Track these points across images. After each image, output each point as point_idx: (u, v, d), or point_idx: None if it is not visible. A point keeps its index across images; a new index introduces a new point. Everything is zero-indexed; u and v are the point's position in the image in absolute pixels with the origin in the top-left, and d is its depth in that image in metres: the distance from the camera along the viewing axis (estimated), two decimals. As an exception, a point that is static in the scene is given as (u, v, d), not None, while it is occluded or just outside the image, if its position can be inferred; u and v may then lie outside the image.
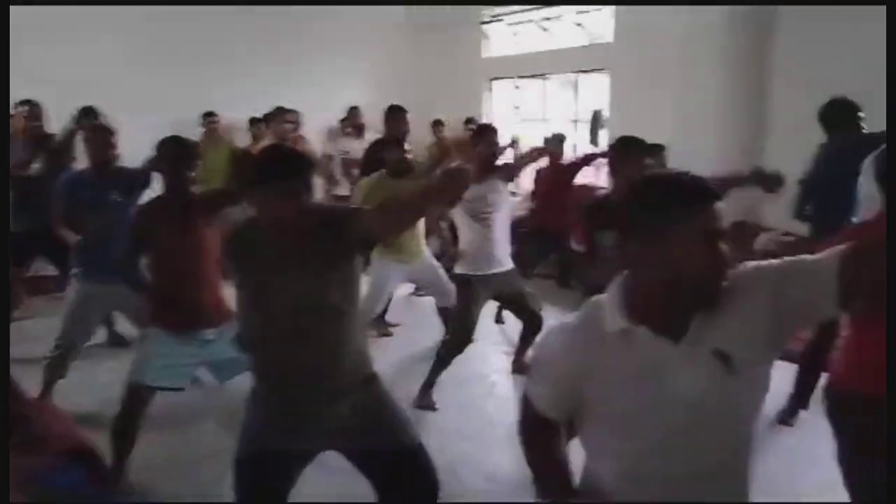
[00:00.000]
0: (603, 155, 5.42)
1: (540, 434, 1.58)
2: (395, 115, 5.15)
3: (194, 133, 6.97)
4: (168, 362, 2.95)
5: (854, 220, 2.69)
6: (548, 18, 8.26)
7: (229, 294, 2.56)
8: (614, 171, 3.21)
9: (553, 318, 4.82)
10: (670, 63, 6.32)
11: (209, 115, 7.41)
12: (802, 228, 4.13)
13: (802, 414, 3.74)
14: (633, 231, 1.34)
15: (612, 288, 1.41)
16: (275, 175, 1.99)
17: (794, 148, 4.62)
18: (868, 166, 2.46)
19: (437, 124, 7.97)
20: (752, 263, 1.37)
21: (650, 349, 1.33)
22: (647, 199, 1.33)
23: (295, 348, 2.09)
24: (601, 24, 7.57)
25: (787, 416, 3.75)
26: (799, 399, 3.76)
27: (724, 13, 5.75)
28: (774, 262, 1.35)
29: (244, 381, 2.37)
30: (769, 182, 3.53)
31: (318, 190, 7.18)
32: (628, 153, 3.14)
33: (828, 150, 3.86)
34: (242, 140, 7.43)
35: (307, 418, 2.13)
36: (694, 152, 5.48)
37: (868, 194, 2.70)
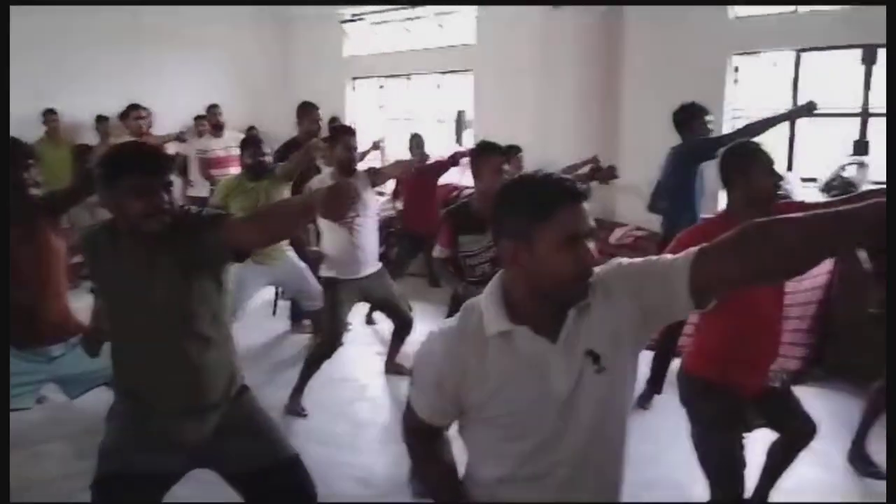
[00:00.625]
0: (467, 154, 5.54)
1: (426, 443, 1.58)
2: (305, 112, 5.10)
3: (35, 132, 6.61)
4: (11, 381, 2.68)
5: (701, 216, 2.93)
6: (410, 19, 8.30)
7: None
8: (475, 175, 3.29)
9: (425, 316, 4.87)
10: (530, 64, 6.53)
11: (49, 113, 6.92)
12: (654, 224, 4.41)
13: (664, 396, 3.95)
14: (503, 232, 1.37)
15: (489, 290, 1.43)
16: (128, 170, 1.84)
17: (646, 147, 4.94)
18: (707, 166, 2.69)
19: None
20: (615, 260, 1.42)
21: (530, 349, 1.36)
22: (515, 200, 1.36)
23: (155, 363, 1.96)
24: (463, 25, 7.70)
25: (643, 401, 3.98)
26: (654, 384, 4.01)
27: (578, 14, 6.02)
28: (636, 262, 1.41)
29: (99, 398, 2.20)
30: (604, 175, 3.85)
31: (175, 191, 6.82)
32: (485, 157, 3.25)
33: (678, 151, 4.12)
34: (90, 139, 7.04)
35: (169, 437, 2.00)
36: (551, 152, 5.73)
37: (711, 193, 2.96)
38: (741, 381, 2.40)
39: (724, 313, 2.01)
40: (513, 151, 5.14)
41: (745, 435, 2.45)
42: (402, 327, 4.33)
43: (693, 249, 1.32)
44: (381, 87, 8.83)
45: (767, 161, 2.39)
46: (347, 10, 8.72)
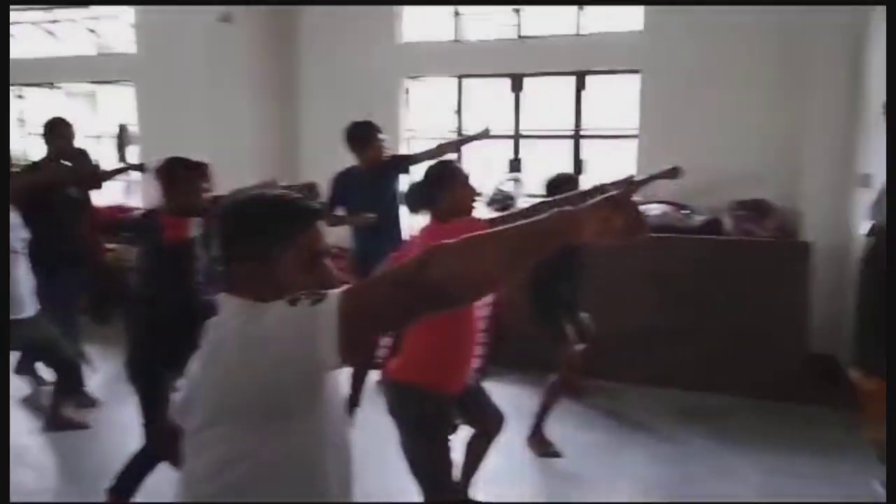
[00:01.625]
0: (128, 170, 5.07)
1: None
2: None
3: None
4: None
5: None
6: (55, 21, 7.32)
7: None
8: (167, 193, 2.95)
9: (96, 357, 4.28)
10: (199, 77, 6.18)
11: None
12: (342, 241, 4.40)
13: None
14: (235, 254, 1.29)
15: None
16: None
17: (327, 164, 4.96)
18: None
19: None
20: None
21: None
22: (252, 220, 1.30)
23: None
24: (121, 33, 7.03)
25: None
26: (353, 398, 4.02)
27: (249, 29, 5.86)
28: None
29: None
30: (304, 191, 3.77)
31: None
32: (177, 173, 2.95)
33: (353, 171, 4.16)
34: None
35: None
36: (227, 169, 5.47)
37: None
38: (449, 383, 2.51)
39: (431, 320, 2.06)
40: (203, 167, 4.76)
41: (450, 437, 2.57)
42: (68, 376, 3.75)
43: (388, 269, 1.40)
44: (20, 96, 7.64)
45: (466, 177, 2.62)
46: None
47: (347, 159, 4.26)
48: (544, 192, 3.72)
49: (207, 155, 5.43)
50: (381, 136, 4.20)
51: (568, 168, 4.07)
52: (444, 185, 2.59)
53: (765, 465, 3.58)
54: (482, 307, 2.62)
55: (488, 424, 2.83)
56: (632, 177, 4.17)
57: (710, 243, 4.56)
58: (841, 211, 4.51)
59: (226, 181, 2.97)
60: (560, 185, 3.68)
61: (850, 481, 3.28)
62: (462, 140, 4.29)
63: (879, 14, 4.13)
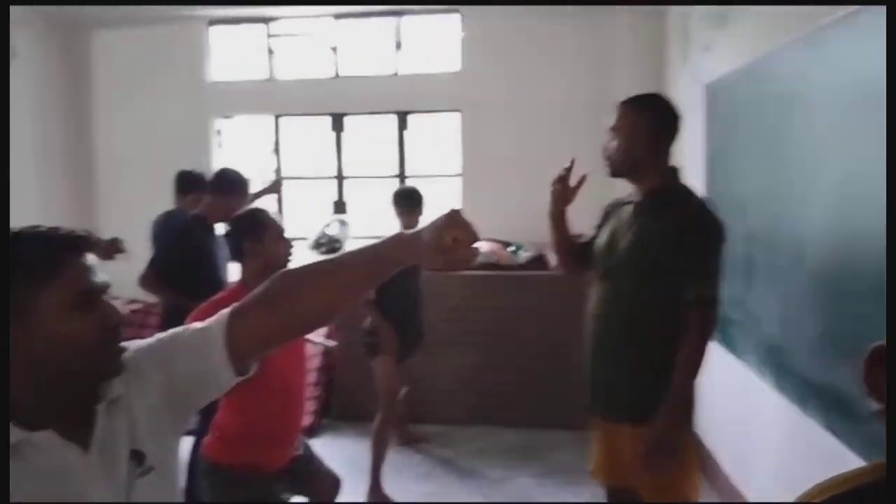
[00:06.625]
0: None
1: None
2: None
3: None
4: None
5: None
6: None
7: None
8: None
9: None
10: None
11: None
12: (146, 295, 3.95)
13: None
14: None
15: None
16: None
17: (129, 213, 4.49)
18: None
19: None
20: (135, 343, 1.16)
21: (60, 463, 1.02)
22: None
23: None
24: None
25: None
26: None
27: (37, 66, 5.26)
28: (165, 334, 1.19)
29: None
30: (107, 250, 3.33)
31: None
32: None
33: (187, 217, 3.60)
34: None
35: None
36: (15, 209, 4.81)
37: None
38: (268, 460, 2.26)
39: (248, 390, 1.81)
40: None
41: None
42: None
43: (225, 311, 1.16)
44: None
45: (279, 228, 2.39)
46: None
47: (152, 205, 3.88)
48: (392, 206, 3.77)
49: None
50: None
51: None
52: (254, 237, 2.34)
53: (600, 497, 3.58)
54: (310, 359, 2.40)
55: (322, 492, 2.58)
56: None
57: (535, 279, 4.64)
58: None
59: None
60: (407, 197, 3.75)
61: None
62: (257, 193, 3.93)
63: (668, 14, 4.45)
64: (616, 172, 2.26)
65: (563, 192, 2.35)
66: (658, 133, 2.19)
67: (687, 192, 2.21)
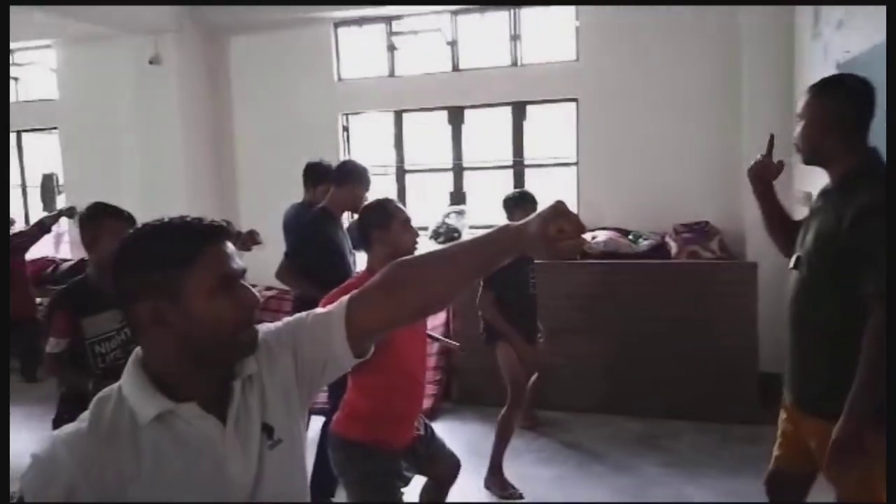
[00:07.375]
0: (54, 220, 4.81)
1: None
2: None
3: None
4: None
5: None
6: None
7: None
8: (89, 244, 2.65)
9: (23, 420, 4.01)
10: (127, 120, 5.97)
11: None
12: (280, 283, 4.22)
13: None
14: (136, 294, 1.12)
15: (129, 371, 1.15)
16: None
17: (264, 203, 4.80)
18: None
19: None
20: (265, 326, 1.27)
21: (200, 432, 1.14)
22: (144, 252, 1.14)
23: None
24: (42, 79, 6.78)
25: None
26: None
27: (181, 71, 5.72)
28: (292, 318, 1.30)
29: None
30: (245, 241, 3.55)
31: None
32: (103, 223, 2.59)
33: (315, 210, 3.75)
34: None
35: None
36: (162, 214, 5.26)
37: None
38: (393, 437, 2.39)
39: (373, 371, 1.95)
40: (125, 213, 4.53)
41: (402, 490, 2.44)
42: None
43: (345, 298, 1.26)
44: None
45: (406, 217, 2.48)
46: None
47: (287, 198, 4.13)
48: (504, 210, 3.73)
49: (140, 200, 5.32)
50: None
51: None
52: (381, 225, 2.44)
53: (722, 490, 3.53)
54: (430, 343, 2.51)
55: (442, 473, 2.69)
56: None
57: (657, 267, 4.57)
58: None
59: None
60: (518, 202, 3.69)
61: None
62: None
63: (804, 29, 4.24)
64: (805, 160, 2.17)
65: (766, 167, 2.34)
66: (841, 117, 2.07)
67: (874, 179, 2.02)
